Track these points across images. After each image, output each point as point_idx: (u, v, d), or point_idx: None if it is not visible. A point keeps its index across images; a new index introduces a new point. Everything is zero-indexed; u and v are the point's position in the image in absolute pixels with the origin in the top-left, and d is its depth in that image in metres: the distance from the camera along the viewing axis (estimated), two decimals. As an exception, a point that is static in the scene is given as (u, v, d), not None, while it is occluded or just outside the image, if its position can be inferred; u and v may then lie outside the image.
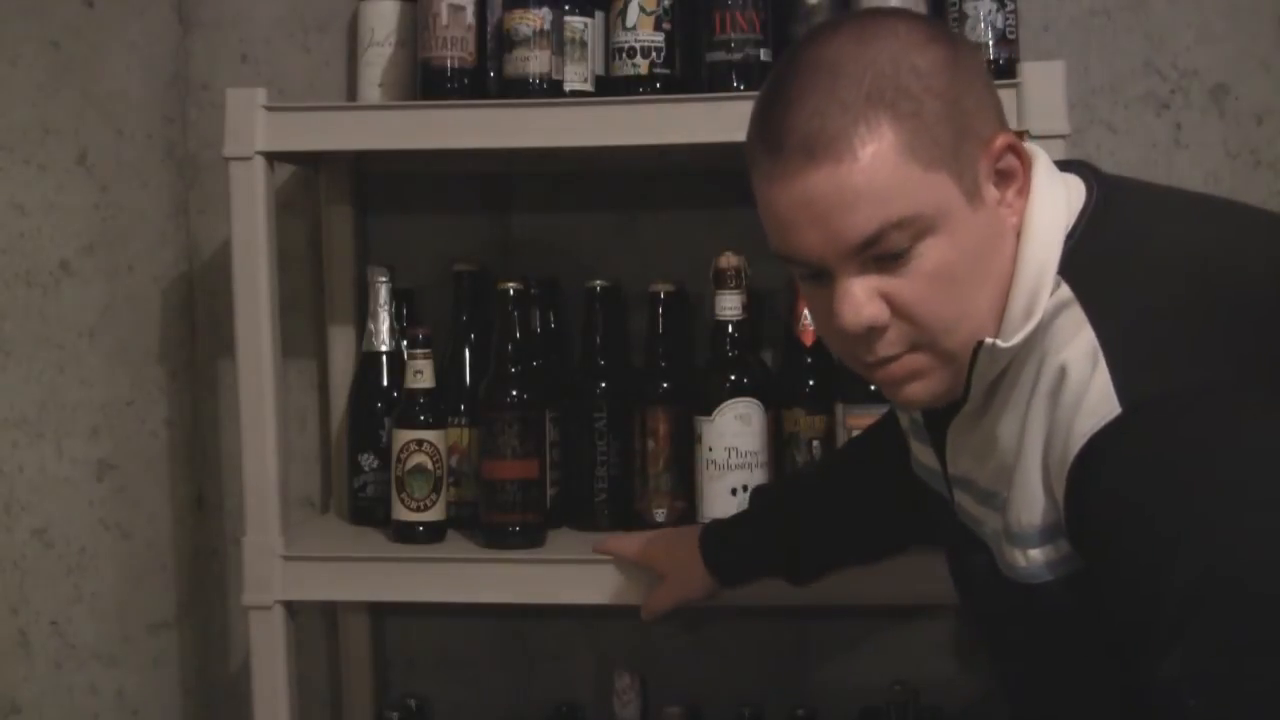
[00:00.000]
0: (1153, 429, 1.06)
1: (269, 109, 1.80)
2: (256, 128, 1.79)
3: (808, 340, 1.88)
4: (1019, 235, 1.18)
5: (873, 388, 1.77)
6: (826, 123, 1.12)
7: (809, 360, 1.88)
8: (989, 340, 1.15)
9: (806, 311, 1.88)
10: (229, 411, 2.10)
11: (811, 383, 1.86)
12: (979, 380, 1.19)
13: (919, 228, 1.13)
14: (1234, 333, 1.10)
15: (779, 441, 1.87)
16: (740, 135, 1.71)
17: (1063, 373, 1.10)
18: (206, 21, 2.14)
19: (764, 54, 1.80)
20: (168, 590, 2.11)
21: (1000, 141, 1.16)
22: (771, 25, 1.81)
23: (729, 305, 1.85)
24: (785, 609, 2.03)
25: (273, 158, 1.83)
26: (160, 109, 2.11)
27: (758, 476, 1.82)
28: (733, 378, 1.83)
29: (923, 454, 1.39)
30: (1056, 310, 1.14)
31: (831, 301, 1.17)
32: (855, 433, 1.78)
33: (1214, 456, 1.05)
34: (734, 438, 1.81)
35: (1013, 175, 1.18)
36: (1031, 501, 1.15)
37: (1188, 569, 1.03)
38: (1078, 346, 1.10)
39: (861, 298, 1.14)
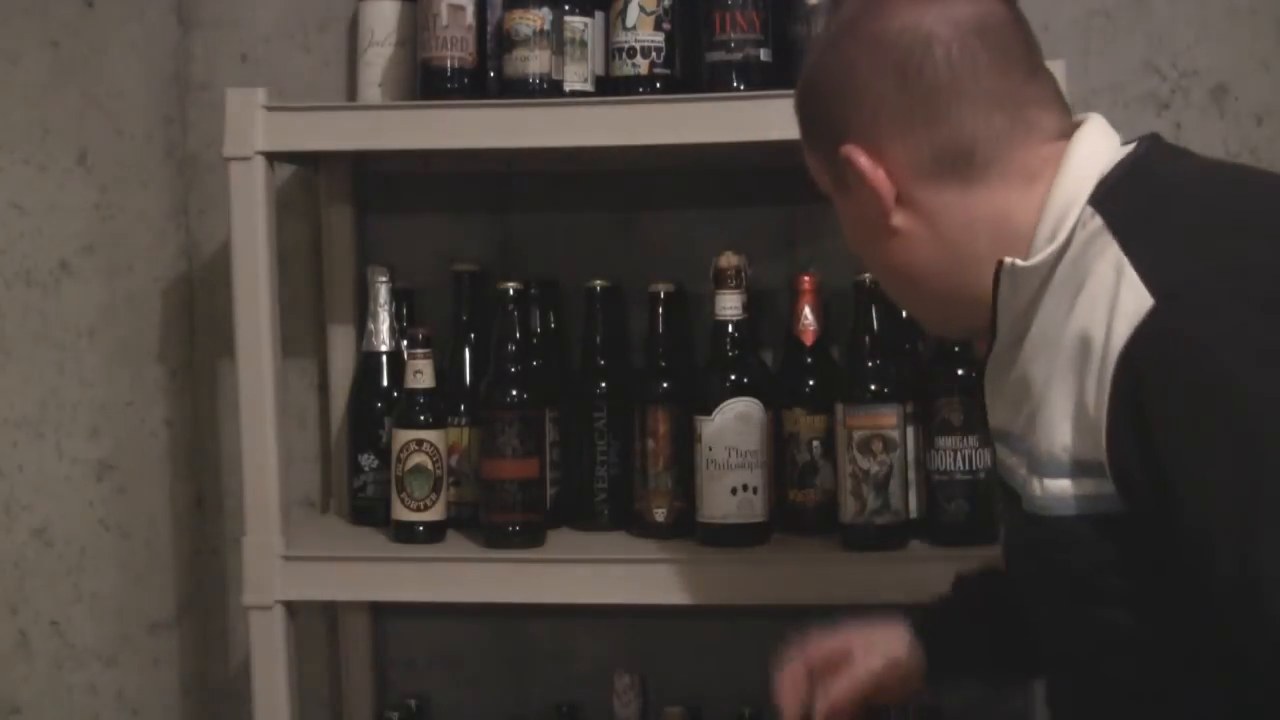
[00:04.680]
0: (1190, 315, 1.04)
1: (269, 109, 1.80)
2: (256, 128, 1.79)
3: (808, 340, 1.88)
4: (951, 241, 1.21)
5: (873, 387, 1.78)
6: None
7: (809, 360, 1.88)
8: (1008, 260, 1.16)
9: (807, 311, 1.88)
10: (229, 411, 2.10)
11: (811, 383, 1.86)
12: (1004, 309, 1.18)
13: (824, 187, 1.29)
14: (1265, 269, 1.07)
15: (779, 441, 1.87)
16: (740, 135, 1.73)
17: (1094, 290, 1.09)
18: (206, 21, 2.14)
19: (764, 54, 1.80)
20: (167, 590, 2.11)
21: (843, 150, 1.22)
22: (771, 25, 1.81)
23: (729, 305, 1.85)
24: (785, 609, 2.03)
25: (273, 158, 1.83)
26: (160, 109, 2.11)
27: (758, 476, 1.82)
28: (733, 377, 1.83)
29: None
30: (1089, 240, 1.13)
31: None
32: (856, 433, 1.78)
33: (1261, 334, 1.02)
34: (734, 437, 1.81)
35: (864, 181, 1.21)
36: (1060, 429, 1.12)
37: (1246, 455, 1.01)
38: (1105, 261, 1.09)
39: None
